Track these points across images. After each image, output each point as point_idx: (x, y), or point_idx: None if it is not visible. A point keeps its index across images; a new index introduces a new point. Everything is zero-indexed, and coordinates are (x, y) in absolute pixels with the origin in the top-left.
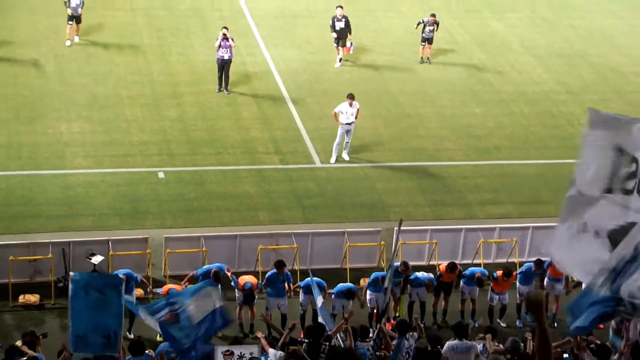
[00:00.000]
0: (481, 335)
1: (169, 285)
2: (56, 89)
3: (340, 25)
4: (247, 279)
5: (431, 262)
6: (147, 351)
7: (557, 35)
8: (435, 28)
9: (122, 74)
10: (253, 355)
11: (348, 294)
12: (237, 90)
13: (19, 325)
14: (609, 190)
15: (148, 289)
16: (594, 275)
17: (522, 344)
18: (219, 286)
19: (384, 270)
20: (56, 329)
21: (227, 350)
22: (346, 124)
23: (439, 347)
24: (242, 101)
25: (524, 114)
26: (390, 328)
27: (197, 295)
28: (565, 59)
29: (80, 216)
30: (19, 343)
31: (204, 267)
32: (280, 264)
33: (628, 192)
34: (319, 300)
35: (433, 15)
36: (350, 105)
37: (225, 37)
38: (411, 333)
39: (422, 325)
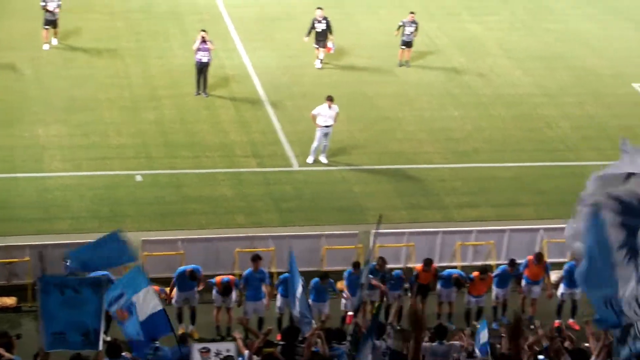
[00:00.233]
0: (460, 334)
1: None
2: (34, 92)
3: (321, 26)
4: (225, 277)
5: (408, 265)
6: (123, 353)
7: (535, 38)
8: (415, 31)
9: (100, 77)
10: (229, 353)
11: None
12: (215, 93)
13: None
14: None
15: None
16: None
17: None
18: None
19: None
20: (33, 331)
21: (204, 348)
22: (324, 126)
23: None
24: (221, 104)
25: (502, 116)
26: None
27: (143, 291)
28: (543, 62)
29: (58, 219)
30: None
31: (180, 268)
32: (255, 258)
33: None
34: (299, 291)
35: (412, 13)
36: (329, 107)
37: (203, 40)
38: (387, 333)
39: (399, 327)
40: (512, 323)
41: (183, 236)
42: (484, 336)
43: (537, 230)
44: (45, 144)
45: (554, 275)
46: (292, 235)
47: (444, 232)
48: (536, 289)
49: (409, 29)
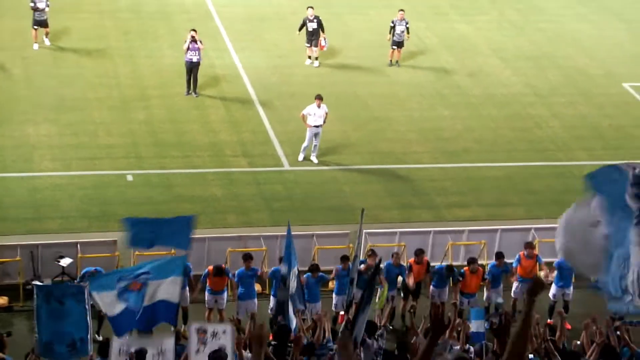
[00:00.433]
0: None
1: None
2: (23, 91)
3: (312, 25)
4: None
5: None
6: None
7: (525, 38)
8: (407, 32)
9: (90, 77)
10: (225, 335)
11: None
12: (205, 93)
13: None
14: None
15: None
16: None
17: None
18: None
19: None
20: (25, 331)
21: (201, 328)
22: (314, 126)
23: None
24: (211, 104)
25: (492, 116)
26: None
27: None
28: (533, 62)
29: (48, 219)
30: None
31: None
32: (247, 257)
33: None
34: (294, 273)
35: (401, 10)
36: (318, 106)
37: (193, 40)
38: (379, 333)
39: (391, 327)
40: (501, 322)
41: None
42: (479, 325)
43: (529, 229)
44: (35, 143)
45: (543, 274)
46: (283, 235)
47: (436, 232)
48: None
49: (399, 28)
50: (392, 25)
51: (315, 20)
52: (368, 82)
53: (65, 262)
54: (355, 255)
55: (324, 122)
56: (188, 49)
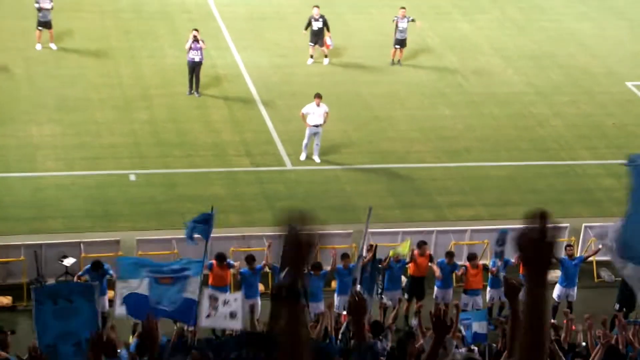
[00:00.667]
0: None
1: None
2: (26, 92)
3: (317, 25)
4: None
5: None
6: (120, 350)
7: (526, 37)
8: (411, 21)
9: (92, 77)
10: (237, 303)
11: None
12: (207, 92)
13: None
14: None
15: None
16: None
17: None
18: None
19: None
20: (28, 330)
21: (213, 295)
22: (314, 126)
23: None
24: (213, 103)
25: (494, 115)
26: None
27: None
28: (535, 61)
29: (51, 219)
30: None
31: None
32: (249, 259)
33: None
34: None
35: (403, 8)
36: (318, 105)
37: (195, 39)
38: (384, 334)
39: (394, 328)
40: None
41: (177, 235)
42: (482, 326)
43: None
44: (38, 143)
45: (548, 276)
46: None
47: (439, 232)
48: None
49: (402, 25)
50: (395, 20)
51: (320, 20)
52: (370, 82)
53: (68, 261)
54: (359, 255)
55: (325, 121)
56: (190, 48)
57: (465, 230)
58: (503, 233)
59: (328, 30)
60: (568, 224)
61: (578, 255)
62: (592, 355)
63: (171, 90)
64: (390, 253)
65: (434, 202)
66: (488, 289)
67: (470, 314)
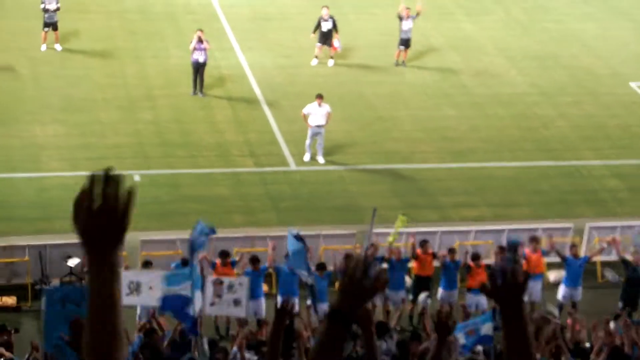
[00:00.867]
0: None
1: None
2: (30, 92)
3: (327, 25)
4: None
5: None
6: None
7: (530, 37)
8: (413, 21)
9: (97, 77)
10: (242, 288)
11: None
12: (211, 93)
13: None
14: None
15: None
16: None
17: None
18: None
19: None
20: (33, 331)
21: (217, 279)
22: (316, 126)
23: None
24: (217, 104)
25: (498, 116)
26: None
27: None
28: (539, 61)
29: (56, 219)
30: None
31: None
32: (254, 260)
33: None
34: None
35: (408, 8)
36: (319, 105)
37: (200, 40)
38: (389, 335)
39: (399, 328)
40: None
41: (181, 236)
42: (487, 329)
43: (536, 230)
44: (43, 143)
45: (553, 276)
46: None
47: (443, 232)
48: (537, 286)
49: (406, 25)
50: (399, 18)
51: (330, 20)
52: (374, 82)
53: (73, 262)
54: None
55: (327, 122)
56: (194, 49)
57: (470, 231)
58: (514, 244)
59: (337, 32)
60: (572, 225)
61: (582, 255)
62: (594, 353)
63: (175, 90)
64: (390, 239)
65: (438, 202)
66: None
67: (477, 318)
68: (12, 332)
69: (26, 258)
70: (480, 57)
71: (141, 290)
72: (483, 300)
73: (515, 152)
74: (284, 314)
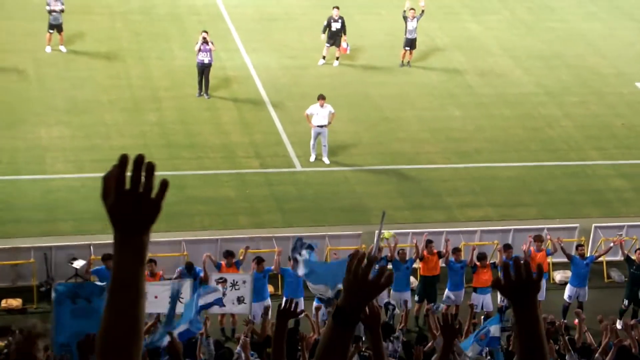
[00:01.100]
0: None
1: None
2: (36, 93)
3: (336, 25)
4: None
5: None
6: None
7: (536, 37)
8: (417, 22)
9: (101, 79)
10: (245, 286)
11: None
12: (217, 94)
13: None
14: None
15: None
16: None
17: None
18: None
19: None
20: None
21: (221, 278)
22: (318, 126)
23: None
24: (222, 105)
25: (504, 116)
26: None
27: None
28: (545, 61)
29: (61, 221)
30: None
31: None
32: (258, 260)
33: None
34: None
35: (412, 9)
36: (322, 106)
37: (205, 41)
38: (395, 335)
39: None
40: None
41: (186, 237)
42: (495, 330)
43: (542, 229)
44: (48, 145)
45: (559, 276)
46: (295, 236)
47: (448, 232)
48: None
49: (411, 25)
50: (404, 19)
51: (339, 21)
52: (379, 83)
53: (78, 264)
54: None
55: (329, 122)
56: (199, 50)
57: (475, 231)
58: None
59: (345, 33)
60: (578, 224)
61: (588, 255)
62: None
63: (180, 92)
64: (386, 234)
65: (444, 203)
66: None
67: (487, 322)
68: (17, 332)
69: (31, 260)
70: (486, 57)
71: (146, 298)
72: (488, 300)
73: (520, 152)
74: (286, 313)
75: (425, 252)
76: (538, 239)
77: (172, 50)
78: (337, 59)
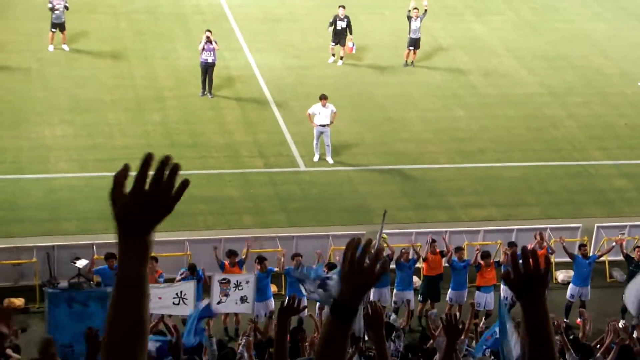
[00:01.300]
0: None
1: None
2: (39, 93)
3: (342, 24)
4: None
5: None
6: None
7: (540, 38)
8: (421, 21)
9: (105, 78)
10: (248, 285)
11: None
12: (220, 94)
13: None
14: None
15: None
16: None
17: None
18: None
19: None
20: (41, 332)
21: (224, 279)
22: (320, 125)
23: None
24: (226, 105)
25: (508, 116)
26: None
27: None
28: (549, 62)
29: (64, 220)
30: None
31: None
32: (261, 259)
33: None
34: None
35: (416, 9)
36: (324, 105)
37: (208, 41)
38: (396, 334)
39: (407, 329)
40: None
41: (190, 237)
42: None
43: (545, 229)
44: (51, 145)
45: (562, 275)
46: (299, 236)
47: (452, 232)
48: None
49: (414, 24)
50: (408, 19)
51: (345, 20)
52: (383, 83)
53: (81, 263)
54: None
55: (332, 121)
56: (203, 49)
57: (479, 231)
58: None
59: (350, 32)
60: (581, 224)
61: (591, 254)
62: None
63: (184, 91)
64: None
65: (448, 202)
66: (502, 286)
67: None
68: (20, 332)
69: (34, 259)
70: (490, 57)
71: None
72: (491, 299)
73: (524, 152)
74: (288, 309)
75: (428, 252)
76: (539, 235)
77: (176, 49)
78: (342, 58)
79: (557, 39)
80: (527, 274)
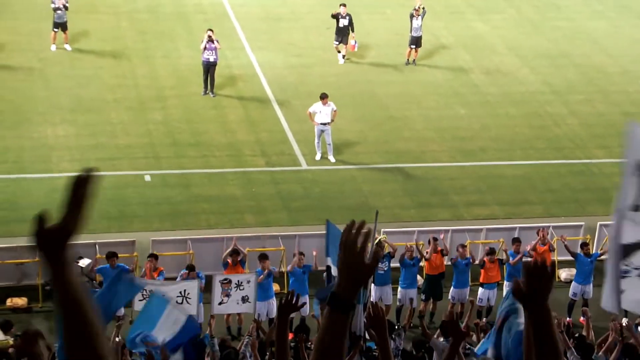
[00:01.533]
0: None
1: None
2: (41, 93)
3: (344, 22)
4: None
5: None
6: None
7: (542, 36)
8: (422, 19)
9: (107, 78)
10: (249, 286)
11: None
12: (222, 92)
13: None
14: (635, 208)
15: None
16: None
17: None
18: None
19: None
20: (44, 331)
21: (225, 279)
22: (321, 124)
23: (423, 351)
24: (228, 104)
25: (510, 115)
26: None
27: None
28: (550, 60)
29: None
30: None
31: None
32: (262, 257)
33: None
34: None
35: (416, 9)
36: (325, 104)
37: (210, 40)
38: (397, 333)
39: (410, 324)
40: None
41: (192, 236)
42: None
43: (547, 227)
44: (53, 144)
45: (564, 274)
46: (301, 235)
47: (454, 231)
48: None
49: (416, 23)
50: (411, 15)
51: (347, 17)
52: (385, 81)
53: (83, 262)
54: None
55: (332, 119)
56: (205, 48)
57: (481, 229)
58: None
59: (352, 30)
60: (583, 222)
61: (593, 252)
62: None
63: (186, 90)
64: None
65: (450, 201)
66: (505, 282)
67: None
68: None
69: (37, 259)
70: (491, 56)
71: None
72: (493, 296)
73: (526, 150)
74: (288, 306)
75: (429, 250)
76: (541, 232)
77: (177, 49)
78: (344, 57)
79: (558, 37)
80: (538, 287)
